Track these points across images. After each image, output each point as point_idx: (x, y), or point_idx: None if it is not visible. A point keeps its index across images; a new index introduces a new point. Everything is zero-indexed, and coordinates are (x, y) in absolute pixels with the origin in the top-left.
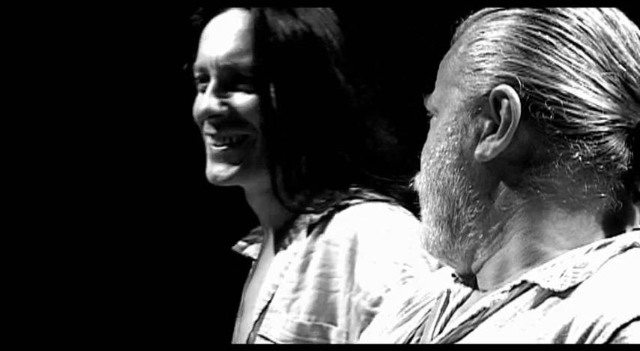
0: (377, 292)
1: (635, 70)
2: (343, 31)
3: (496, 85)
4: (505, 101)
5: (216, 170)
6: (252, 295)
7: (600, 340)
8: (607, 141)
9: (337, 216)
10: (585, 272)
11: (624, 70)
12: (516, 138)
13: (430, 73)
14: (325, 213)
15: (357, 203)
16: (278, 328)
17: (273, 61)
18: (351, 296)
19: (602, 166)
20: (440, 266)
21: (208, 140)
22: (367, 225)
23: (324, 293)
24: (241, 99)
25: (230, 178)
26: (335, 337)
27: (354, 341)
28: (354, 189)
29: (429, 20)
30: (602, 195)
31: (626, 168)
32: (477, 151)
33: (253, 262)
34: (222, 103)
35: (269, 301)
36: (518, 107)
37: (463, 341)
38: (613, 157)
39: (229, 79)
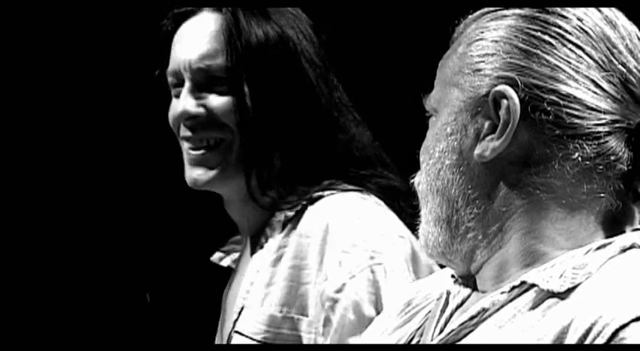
0: (341, 278)
1: (634, 70)
2: (316, 31)
3: (495, 85)
4: (504, 102)
5: (196, 174)
6: (232, 299)
7: (599, 341)
8: (606, 141)
9: (310, 208)
10: (585, 273)
11: (624, 70)
12: (515, 138)
13: (429, 73)
14: (299, 207)
15: (330, 194)
16: (251, 322)
17: (246, 62)
18: (320, 286)
19: (601, 167)
20: (413, 254)
21: (185, 145)
22: (339, 214)
23: (295, 285)
24: (217, 100)
25: (209, 182)
26: (305, 327)
27: (321, 330)
28: (327, 182)
29: (428, 20)
30: (602, 195)
31: (626, 168)
32: (477, 151)
33: (233, 270)
34: (199, 105)
35: (245, 298)
36: (518, 108)
37: (463, 342)
38: (612, 158)
39: (204, 81)
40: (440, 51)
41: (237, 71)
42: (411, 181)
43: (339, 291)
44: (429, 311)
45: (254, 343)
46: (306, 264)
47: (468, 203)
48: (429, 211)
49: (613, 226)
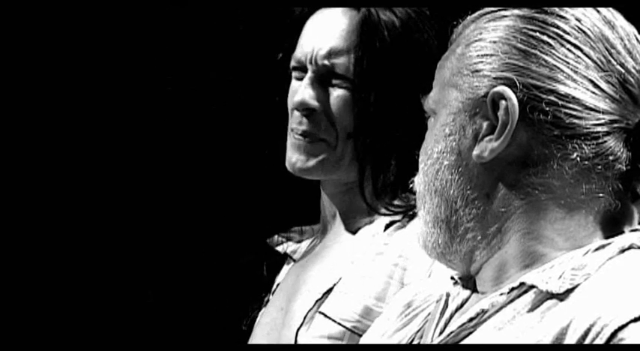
0: None
1: (633, 70)
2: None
3: (494, 86)
4: (503, 102)
5: (295, 158)
6: (308, 279)
7: (598, 342)
8: (605, 141)
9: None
10: (583, 274)
11: (622, 70)
12: (514, 139)
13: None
14: (411, 213)
15: None
16: (344, 308)
17: (374, 65)
18: None
19: (600, 167)
20: None
21: (293, 126)
22: None
23: (394, 283)
24: (336, 96)
25: (308, 170)
26: None
27: None
28: None
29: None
30: (601, 195)
31: (624, 168)
32: (475, 152)
33: (297, 253)
34: (317, 98)
35: (335, 284)
36: (516, 108)
37: (462, 343)
38: (611, 158)
39: (326, 75)
40: (438, 51)
41: (364, 73)
42: (411, 182)
43: None
44: (429, 313)
45: (340, 328)
46: (410, 265)
47: (466, 204)
48: (427, 212)
49: (612, 226)
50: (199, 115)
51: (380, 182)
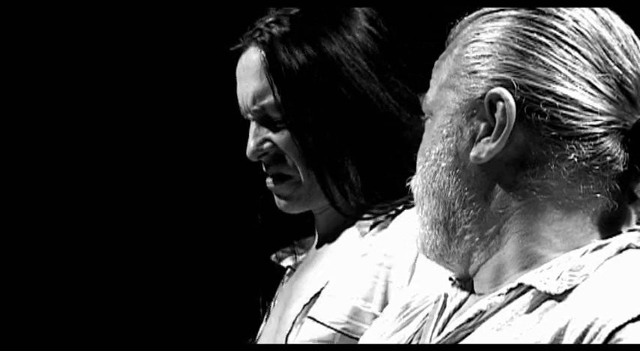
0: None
1: (630, 71)
2: (374, 24)
3: (491, 87)
4: (500, 104)
5: (277, 202)
6: (299, 286)
7: (596, 343)
8: (602, 142)
9: (407, 212)
10: (581, 275)
11: (620, 71)
12: (512, 140)
13: (426, 73)
14: (393, 212)
15: None
16: (332, 310)
17: (291, 94)
18: (407, 288)
19: (597, 167)
20: None
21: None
22: None
23: (380, 282)
24: (277, 136)
25: (292, 209)
26: None
27: None
28: None
29: (424, 21)
30: (598, 196)
31: (622, 169)
32: (472, 153)
33: (294, 264)
34: (264, 141)
35: (323, 288)
36: (513, 110)
37: (460, 344)
38: (608, 158)
39: (264, 119)
40: (436, 52)
41: (287, 105)
42: (408, 184)
43: None
44: (427, 314)
45: (329, 331)
46: (395, 264)
47: (464, 205)
48: (425, 214)
49: (609, 227)
50: (209, 124)
51: (348, 192)
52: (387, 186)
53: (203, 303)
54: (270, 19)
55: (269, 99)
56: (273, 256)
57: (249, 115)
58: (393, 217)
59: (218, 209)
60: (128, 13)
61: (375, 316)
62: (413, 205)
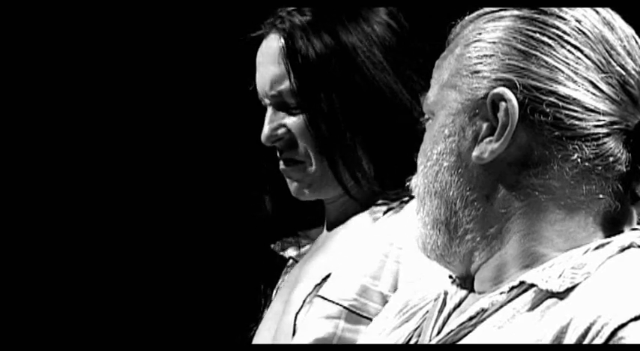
0: None
1: (632, 72)
2: (393, 18)
3: (494, 87)
4: (503, 104)
5: (290, 186)
6: (310, 270)
7: (598, 341)
8: (605, 142)
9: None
10: (583, 273)
11: (622, 72)
12: (514, 140)
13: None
14: (406, 198)
15: None
16: (341, 287)
17: (308, 82)
18: (416, 268)
19: (600, 168)
20: None
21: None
22: None
23: (390, 261)
24: (295, 119)
25: (304, 196)
26: None
27: None
28: None
29: (423, 20)
30: (601, 196)
31: (624, 169)
32: (475, 153)
33: (300, 256)
34: (279, 127)
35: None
36: (516, 110)
37: (462, 342)
38: (611, 159)
39: (281, 104)
40: (437, 51)
41: (302, 92)
42: (407, 183)
43: None
44: (427, 311)
45: (337, 307)
46: (406, 245)
47: (466, 205)
48: (426, 214)
49: (612, 226)
50: (211, 119)
51: (362, 180)
52: (398, 175)
53: (205, 293)
54: (292, 8)
55: (285, 84)
56: (274, 246)
57: (267, 100)
58: (406, 202)
59: (223, 198)
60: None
61: (383, 295)
62: None
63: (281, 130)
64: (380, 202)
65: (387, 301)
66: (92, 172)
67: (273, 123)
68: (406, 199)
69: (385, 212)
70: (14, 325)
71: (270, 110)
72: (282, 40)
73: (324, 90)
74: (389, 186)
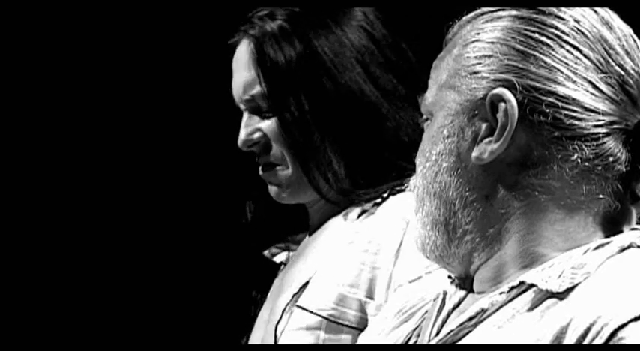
0: (418, 271)
1: (631, 71)
2: (369, 22)
3: (493, 88)
4: (502, 104)
5: (270, 191)
6: (290, 277)
7: (598, 341)
8: (605, 142)
9: (391, 199)
10: (583, 273)
11: (621, 72)
12: (514, 140)
13: (424, 73)
14: (379, 200)
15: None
16: (319, 297)
17: (278, 86)
18: (393, 272)
19: (600, 168)
20: None
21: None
22: None
23: (366, 268)
24: (269, 123)
25: (284, 199)
26: (373, 310)
27: None
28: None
29: (421, 21)
30: (600, 196)
31: (624, 169)
32: (474, 153)
33: (287, 259)
34: (254, 131)
35: (311, 277)
36: (515, 110)
37: (462, 343)
38: (611, 159)
39: (255, 107)
40: (434, 51)
41: (273, 95)
42: (406, 185)
43: (412, 281)
44: (426, 311)
45: (316, 317)
46: (380, 250)
47: (465, 206)
48: (425, 215)
49: (611, 226)
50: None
51: (332, 180)
52: (370, 173)
53: (196, 299)
54: (264, 13)
55: (257, 89)
56: (266, 252)
57: (242, 105)
58: (379, 204)
59: (212, 204)
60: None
61: (361, 302)
62: (398, 192)
63: (256, 135)
64: (354, 204)
65: (365, 308)
66: (82, 184)
67: (249, 128)
68: (379, 200)
69: (360, 215)
70: (9, 325)
71: (245, 115)
72: (252, 46)
73: (293, 93)
74: (361, 185)
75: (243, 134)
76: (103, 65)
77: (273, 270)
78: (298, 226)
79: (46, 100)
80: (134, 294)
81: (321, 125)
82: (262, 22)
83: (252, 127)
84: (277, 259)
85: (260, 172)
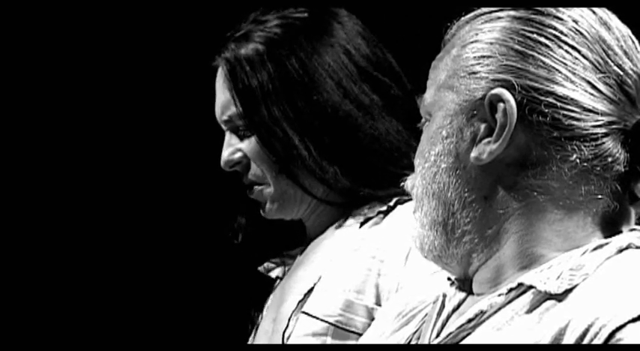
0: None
1: (630, 71)
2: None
3: (492, 88)
4: (501, 105)
5: (261, 209)
6: (293, 285)
7: (596, 343)
8: (603, 143)
9: (399, 208)
10: (582, 274)
11: (620, 72)
12: (512, 141)
13: (422, 73)
14: (384, 208)
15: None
16: (325, 304)
17: (251, 107)
18: (400, 279)
19: (598, 168)
20: None
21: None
22: None
23: (372, 275)
24: (248, 143)
25: (269, 215)
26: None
27: None
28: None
29: (419, 21)
30: (599, 196)
31: (622, 169)
32: (473, 154)
33: (282, 274)
34: (235, 151)
35: (315, 283)
36: (514, 111)
37: (461, 344)
38: (609, 159)
39: (234, 128)
40: (433, 52)
41: (248, 115)
42: (402, 184)
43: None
44: (426, 314)
45: (323, 324)
46: (388, 257)
47: (464, 206)
48: (424, 215)
49: (610, 227)
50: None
51: (332, 181)
52: (362, 175)
53: (192, 315)
54: (241, 33)
55: (232, 109)
56: (261, 268)
57: (223, 126)
58: (386, 213)
59: (207, 221)
60: (115, 21)
61: (368, 308)
62: (405, 201)
63: (237, 155)
64: (354, 207)
65: (372, 314)
66: (76, 194)
67: (230, 148)
68: (384, 208)
69: (364, 222)
70: (8, 325)
71: (227, 135)
72: (226, 69)
73: (267, 112)
74: (361, 183)
75: (225, 155)
76: (97, 80)
77: (267, 286)
78: (293, 241)
79: (42, 109)
80: (130, 309)
81: (301, 137)
82: (237, 44)
83: (234, 148)
84: (273, 274)
85: (247, 192)
